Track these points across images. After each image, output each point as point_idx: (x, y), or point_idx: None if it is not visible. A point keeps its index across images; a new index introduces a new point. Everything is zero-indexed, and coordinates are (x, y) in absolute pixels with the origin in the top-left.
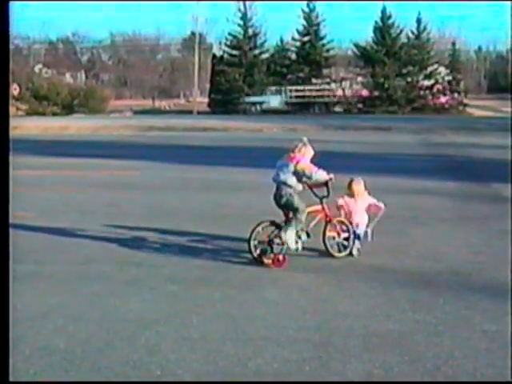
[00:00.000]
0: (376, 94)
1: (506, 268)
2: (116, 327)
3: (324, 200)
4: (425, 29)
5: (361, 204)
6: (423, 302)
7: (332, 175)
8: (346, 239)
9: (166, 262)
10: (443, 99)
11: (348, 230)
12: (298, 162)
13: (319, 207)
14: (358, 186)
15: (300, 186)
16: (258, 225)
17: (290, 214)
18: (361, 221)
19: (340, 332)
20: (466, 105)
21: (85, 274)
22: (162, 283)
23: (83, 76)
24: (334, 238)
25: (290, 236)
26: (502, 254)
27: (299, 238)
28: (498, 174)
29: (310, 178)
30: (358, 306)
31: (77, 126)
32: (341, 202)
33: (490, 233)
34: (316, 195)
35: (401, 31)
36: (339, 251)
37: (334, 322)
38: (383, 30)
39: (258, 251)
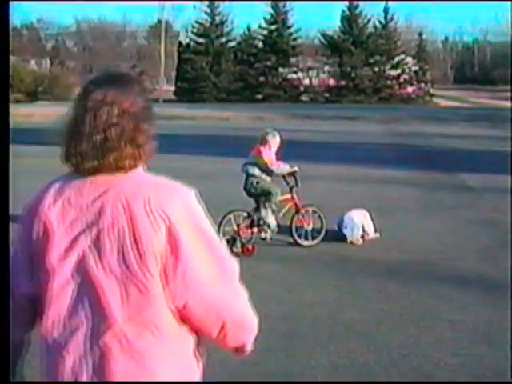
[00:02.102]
0: (343, 83)
1: (471, 257)
2: None
3: (293, 189)
4: (392, 19)
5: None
6: (389, 291)
7: (296, 168)
8: (314, 228)
9: None
10: (410, 89)
11: (321, 219)
12: (260, 155)
13: (289, 196)
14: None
15: (266, 177)
16: (229, 213)
17: (262, 199)
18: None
19: (305, 321)
20: (432, 95)
21: None
22: None
23: (48, 63)
24: (302, 227)
25: (268, 214)
26: (468, 244)
27: (268, 226)
28: (463, 164)
29: (272, 172)
30: (323, 295)
31: (42, 113)
32: None
33: (456, 222)
34: (287, 183)
35: (368, 21)
36: (306, 240)
37: (300, 311)
38: (350, 19)
39: (228, 240)
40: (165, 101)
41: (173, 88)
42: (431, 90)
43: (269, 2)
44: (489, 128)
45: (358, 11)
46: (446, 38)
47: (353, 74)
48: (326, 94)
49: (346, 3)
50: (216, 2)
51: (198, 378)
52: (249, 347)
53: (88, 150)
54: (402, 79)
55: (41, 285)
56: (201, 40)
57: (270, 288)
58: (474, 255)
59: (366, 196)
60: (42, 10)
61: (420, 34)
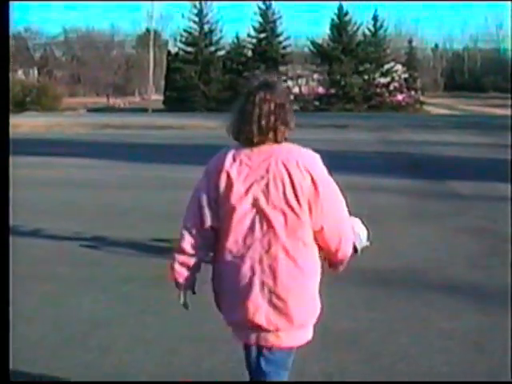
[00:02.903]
0: (332, 91)
1: (461, 265)
2: (69, 328)
3: None
4: (381, 26)
5: None
6: (379, 300)
7: None
8: None
9: (121, 262)
10: (400, 97)
11: None
12: None
13: None
14: None
15: None
16: None
17: None
18: None
19: None
20: (422, 102)
21: (37, 274)
22: (116, 283)
23: (36, 73)
24: None
25: None
26: (458, 252)
27: None
28: (453, 172)
29: None
30: None
31: (30, 123)
32: None
33: (446, 230)
34: None
35: (357, 29)
36: None
37: None
38: (340, 27)
39: None
40: (154, 110)
41: (162, 97)
42: (421, 98)
43: (258, 11)
44: (479, 135)
45: (347, 19)
46: (436, 46)
47: (342, 82)
48: (316, 103)
49: (336, 11)
50: (205, 11)
51: (320, 268)
52: (343, 266)
53: (256, 130)
54: (391, 87)
55: (221, 219)
56: (189, 49)
57: None
58: (464, 263)
59: (356, 204)
60: (29, 19)
61: (410, 42)
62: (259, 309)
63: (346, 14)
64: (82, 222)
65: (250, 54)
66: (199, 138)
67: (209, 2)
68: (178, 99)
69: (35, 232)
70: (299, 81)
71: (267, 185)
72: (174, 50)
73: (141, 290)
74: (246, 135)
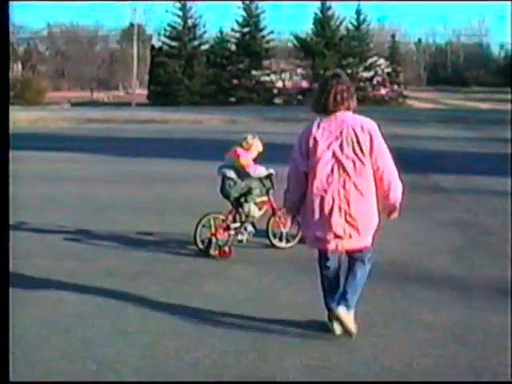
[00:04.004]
0: (316, 85)
1: (443, 258)
2: (51, 321)
3: (270, 192)
4: (364, 20)
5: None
6: (361, 292)
7: (272, 170)
8: (291, 230)
9: (104, 256)
10: (383, 91)
11: (297, 221)
12: (238, 157)
13: (265, 198)
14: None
15: (241, 181)
16: (207, 215)
17: (242, 198)
18: None
19: (278, 323)
20: (405, 96)
21: (20, 269)
22: (98, 276)
23: (20, 67)
24: (278, 229)
25: (251, 207)
26: (440, 245)
27: (245, 229)
28: (437, 166)
29: (249, 175)
30: (296, 297)
31: (13, 118)
32: None
33: (428, 224)
34: (264, 185)
35: (340, 23)
36: (282, 242)
37: (272, 313)
38: (323, 21)
39: (203, 241)
40: (138, 104)
41: (146, 92)
42: (404, 92)
43: (241, 5)
44: (462, 129)
45: (330, 13)
46: (419, 40)
47: None
48: (300, 97)
49: (319, 4)
50: (188, 5)
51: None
52: (397, 211)
53: (332, 102)
54: (375, 81)
55: (310, 167)
56: (173, 43)
57: (243, 290)
58: (446, 256)
59: None
60: (13, 13)
61: (393, 36)
62: (338, 224)
63: (329, 8)
64: (66, 216)
65: (233, 48)
66: (183, 131)
67: None
68: (161, 93)
69: (18, 225)
70: (283, 75)
71: (341, 142)
72: (157, 44)
73: (124, 282)
74: (325, 107)
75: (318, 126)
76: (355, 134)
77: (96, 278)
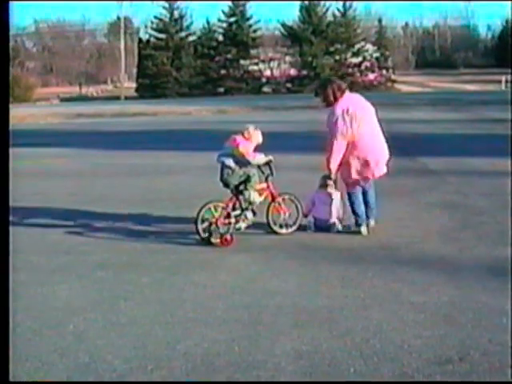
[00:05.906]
0: (304, 73)
1: (433, 240)
2: (43, 315)
3: (269, 178)
4: (351, 6)
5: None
6: (352, 277)
7: (271, 157)
8: (291, 216)
9: (95, 249)
10: (372, 76)
11: (297, 207)
12: (237, 146)
13: (264, 185)
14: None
15: (239, 169)
16: (208, 203)
17: (242, 185)
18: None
19: (269, 310)
20: (394, 81)
21: (11, 264)
22: (89, 270)
23: None
24: (278, 215)
25: (251, 194)
26: (430, 227)
27: (245, 216)
28: (425, 148)
29: (248, 163)
30: (286, 283)
31: None
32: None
33: (418, 206)
34: (263, 172)
35: (327, 9)
36: (283, 228)
37: (263, 300)
38: (309, 8)
39: (206, 232)
40: (126, 98)
41: (134, 85)
42: (393, 76)
43: None
44: (450, 112)
45: (316, 1)
46: (407, 24)
47: (314, 64)
48: (288, 85)
49: None
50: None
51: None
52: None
53: (338, 90)
54: (363, 67)
55: (354, 128)
56: (161, 35)
57: (233, 278)
58: (436, 238)
59: None
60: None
61: (379, 21)
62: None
63: None
64: (56, 211)
65: (220, 38)
66: (172, 123)
67: None
68: (150, 86)
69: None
70: (271, 63)
71: (364, 109)
72: (145, 37)
73: (115, 275)
74: (329, 97)
75: (346, 103)
76: (368, 105)
77: (88, 271)
